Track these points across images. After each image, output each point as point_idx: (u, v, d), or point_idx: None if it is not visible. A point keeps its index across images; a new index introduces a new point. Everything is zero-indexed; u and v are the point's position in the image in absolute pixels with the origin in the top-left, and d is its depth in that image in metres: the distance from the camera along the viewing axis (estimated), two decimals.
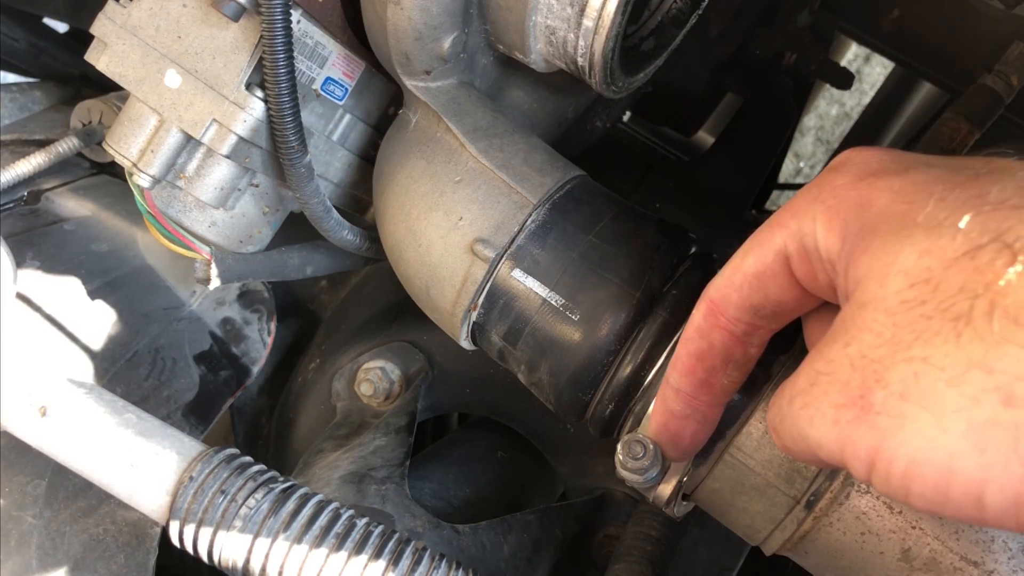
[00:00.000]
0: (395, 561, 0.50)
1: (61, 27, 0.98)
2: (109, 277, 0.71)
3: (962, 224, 0.33)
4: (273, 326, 0.77)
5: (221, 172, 0.62)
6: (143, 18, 0.58)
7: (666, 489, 0.50)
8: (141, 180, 0.60)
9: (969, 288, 0.32)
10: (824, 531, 0.48)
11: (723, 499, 0.52)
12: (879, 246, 0.35)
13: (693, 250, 0.58)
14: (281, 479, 0.53)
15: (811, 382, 0.36)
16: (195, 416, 0.69)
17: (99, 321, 0.68)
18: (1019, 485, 0.30)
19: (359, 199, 0.73)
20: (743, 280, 0.43)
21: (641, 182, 0.96)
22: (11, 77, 0.94)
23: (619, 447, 0.50)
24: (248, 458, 0.54)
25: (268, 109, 0.58)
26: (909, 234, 0.34)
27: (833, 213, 0.38)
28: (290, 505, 0.50)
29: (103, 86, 0.69)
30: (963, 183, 0.35)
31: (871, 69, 2.27)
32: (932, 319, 0.32)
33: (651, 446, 0.49)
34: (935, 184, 0.35)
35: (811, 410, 0.36)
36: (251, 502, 0.50)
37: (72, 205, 0.75)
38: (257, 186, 0.65)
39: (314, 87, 0.63)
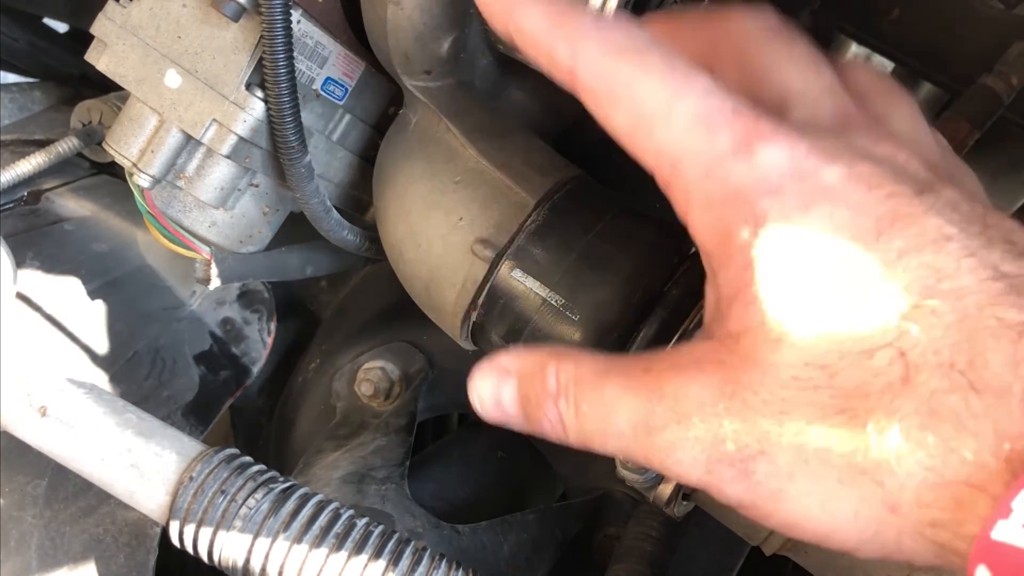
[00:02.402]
0: (395, 561, 0.50)
1: (61, 27, 0.98)
2: (109, 277, 0.71)
3: (863, 317, 0.32)
4: (273, 326, 0.77)
5: (221, 172, 0.62)
6: (143, 18, 0.58)
7: (666, 489, 0.50)
8: (141, 180, 0.60)
9: (864, 392, 0.32)
10: None
11: None
12: (772, 306, 0.33)
13: (693, 250, 0.58)
14: (281, 479, 0.53)
15: (677, 419, 0.35)
16: (195, 416, 0.69)
17: (99, 321, 0.68)
18: (888, 556, 0.33)
19: (359, 199, 0.73)
20: None
21: (641, 182, 0.96)
22: (11, 77, 0.94)
23: None
24: (248, 458, 0.54)
25: (268, 109, 0.58)
26: (807, 309, 0.33)
27: (702, 201, 0.35)
28: (290, 505, 0.50)
29: (103, 86, 0.69)
30: (865, 248, 0.33)
31: None
32: (827, 411, 0.32)
33: None
34: (836, 242, 0.33)
35: (678, 452, 0.35)
36: (251, 502, 0.50)
37: (72, 205, 0.75)
38: (257, 186, 0.65)
39: (314, 87, 0.63)
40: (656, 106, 0.36)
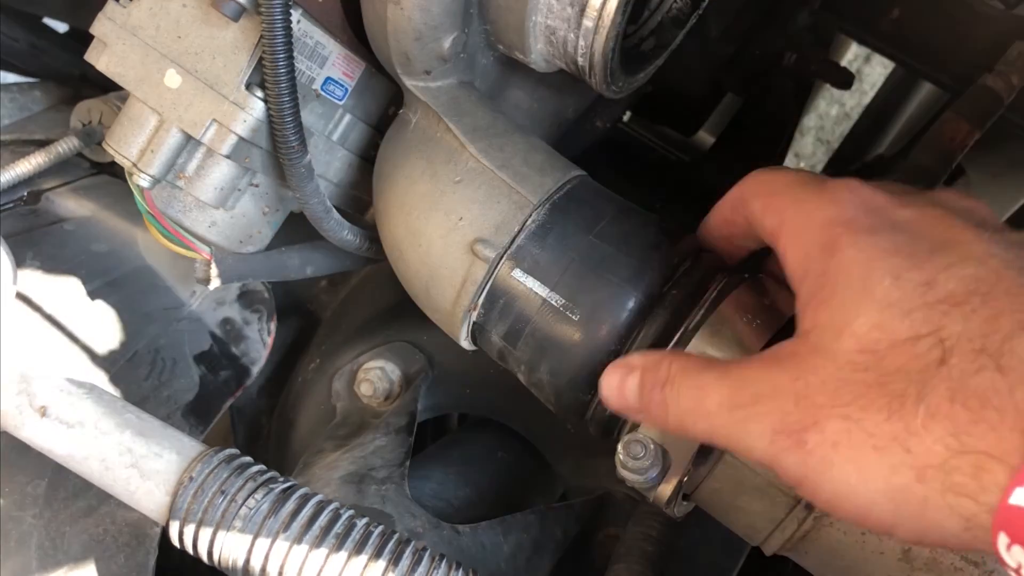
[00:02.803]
0: (395, 561, 0.50)
1: (61, 27, 0.98)
2: (109, 277, 0.71)
3: (911, 312, 0.38)
4: (273, 326, 0.77)
5: (221, 172, 0.62)
6: (143, 18, 0.58)
7: (666, 489, 0.50)
8: (141, 180, 0.60)
9: (905, 371, 0.37)
10: (824, 531, 0.48)
11: (723, 499, 0.52)
12: (838, 304, 0.40)
13: (693, 251, 0.58)
14: (281, 479, 0.53)
15: (754, 400, 0.41)
16: (195, 416, 0.69)
17: (99, 321, 0.68)
18: (922, 533, 0.37)
19: (359, 199, 0.73)
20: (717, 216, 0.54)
21: (641, 182, 0.96)
22: (11, 77, 0.94)
23: (619, 447, 0.50)
24: (248, 458, 0.54)
25: (268, 109, 0.58)
26: (866, 306, 0.39)
27: (794, 235, 0.45)
28: (290, 505, 0.50)
29: (103, 86, 0.69)
30: (919, 262, 0.39)
31: (871, 69, 2.27)
32: (871, 387, 0.38)
33: (651, 446, 0.49)
34: (895, 256, 0.40)
35: (751, 424, 0.41)
36: (251, 502, 0.50)
37: (72, 205, 0.75)
38: (257, 186, 0.65)
39: (314, 87, 0.63)
40: None
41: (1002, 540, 0.34)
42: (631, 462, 0.49)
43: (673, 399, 0.46)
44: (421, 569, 0.50)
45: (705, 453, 0.51)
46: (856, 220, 0.42)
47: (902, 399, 0.37)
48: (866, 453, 0.37)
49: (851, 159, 1.47)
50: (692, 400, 0.45)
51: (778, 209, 0.46)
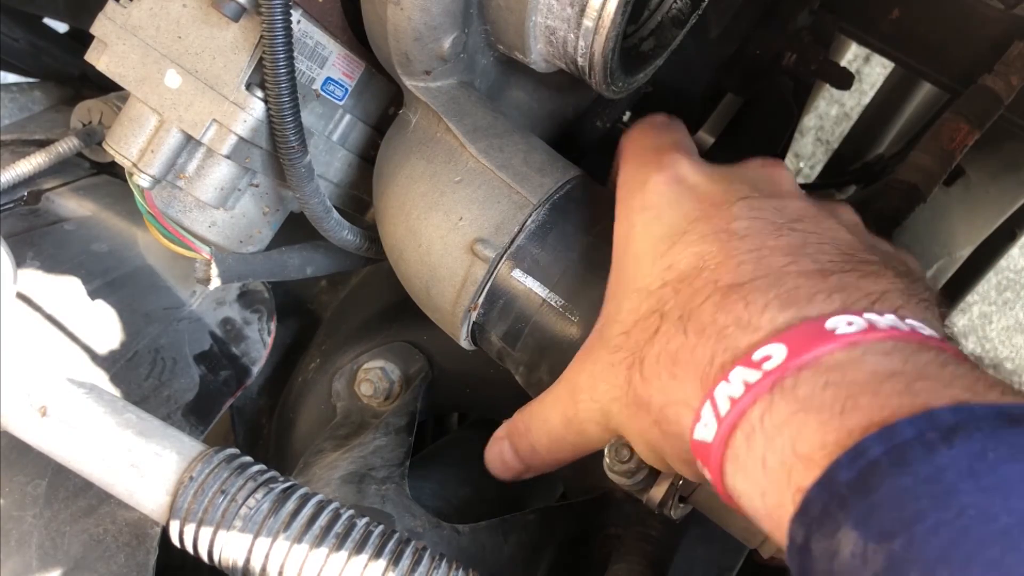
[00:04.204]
0: (395, 561, 0.50)
1: (61, 27, 0.98)
2: (109, 277, 0.71)
3: (653, 292, 0.47)
4: (273, 326, 0.77)
5: (221, 172, 0.62)
6: (143, 18, 0.58)
7: (658, 492, 0.51)
8: (141, 180, 0.60)
9: (637, 342, 0.46)
10: None
11: (720, 502, 0.52)
12: (615, 295, 0.51)
13: None
14: (281, 479, 0.53)
15: (576, 404, 0.53)
16: (195, 416, 0.69)
17: (99, 321, 0.68)
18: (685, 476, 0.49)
19: (359, 199, 0.73)
20: None
21: None
22: (11, 77, 0.94)
23: (606, 451, 0.50)
24: (248, 458, 0.54)
25: (268, 109, 0.58)
26: (630, 295, 0.48)
27: (618, 219, 0.54)
28: (290, 505, 0.50)
29: (103, 86, 0.69)
30: (671, 244, 0.47)
31: (871, 69, 2.27)
32: (625, 359, 0.47)
33: None
34: (659, 243, 0.49)
35: (587, 426, 0.53)
36: (251, 502, 0.50)
37: (72, 205, 0.75)
38: (257, 186, 0.65)
39: (314, 87, 0.63)
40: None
41: (699, 464, 0.41)
42: (618, 465, 0.50)
43: (538, 442, 0.55)
44: (421, 569, 0.50)
45: None
46: (647, 208, 0.50)
47: (631, 367, 0.46)
48: (630, 420, 0.47)
49: (851, 159, 1.47)
50: (545, 435, 0.54)
51: (621, 181, 0.55)
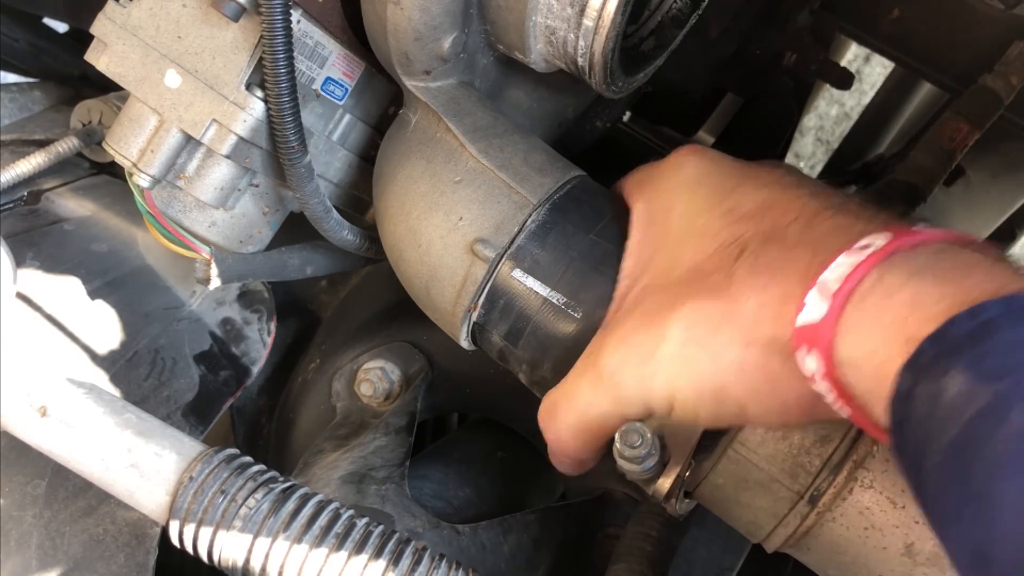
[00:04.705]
0: (395, 561, 0.50)
1: (61, 27, 0.98)
2: (109, 277, 0.71)
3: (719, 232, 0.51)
4: (273, 326, 0.77)
5: (221, 172, 0.62)
6: (143, 18, 0.58)
7: (666, 483, 0.50)
8: (141, 180, 0.60)
9: (717, 269, 0.48)
10: (827, 526, 0.48)
11: (726, 495, 0.52)
12: (673, 244, 0.54)
13: None
14: (281, 479, 0.53)
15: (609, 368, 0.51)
16: (195, 416, 0.69)
17: (99, 321, 0.68)
18: (767, 395, 0.46)
19: (359, 199, 0.73)
20: None
21: None
22: (11, 77, 0.94)
23: (617, 436, 0.50)
24: (248, 458, 0.54)
25: (268, 109, 0.58)
26: (691, 240, 0.52)
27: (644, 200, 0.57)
28: (290, 505, 0.50)
29: (103, 86, 0.69)
30: (725, 195, 0.51)
31: (871, 69, 2.26)
32: (699, 292, 0.48)
33: (648, 435, 0.49)
34: (712, 195, 0.52)
35: (621, 390, 0.51)
36: (251, 502, 0.50)
37: (72, 205, 0.75)
38: (257, 186, 0.65)
39: (314, 87, 0.63)
40: None
41: (800, 356, 0.41)
42: (628, 451, 0.49)
43: (568, 419, 0.53)
44: (421, 569, 0.50)
45: (706, 447, 0.51)
46: (683, 181, 0.54)
47: (717, 287, 0.46)
48: (708, 335, 0.46)
49: (851, 159, 1.47)
50: (576, 413, 0.52)
51: (636, 181, 0.58)
